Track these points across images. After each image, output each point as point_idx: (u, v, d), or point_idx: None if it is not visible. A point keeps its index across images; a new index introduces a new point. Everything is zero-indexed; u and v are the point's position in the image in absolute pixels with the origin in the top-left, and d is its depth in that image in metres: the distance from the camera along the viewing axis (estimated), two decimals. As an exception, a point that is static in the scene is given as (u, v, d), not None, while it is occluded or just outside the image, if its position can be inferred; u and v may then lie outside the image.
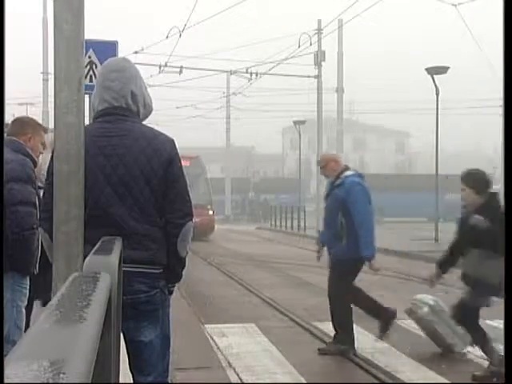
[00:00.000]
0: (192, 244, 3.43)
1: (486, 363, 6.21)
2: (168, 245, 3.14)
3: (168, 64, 26.16)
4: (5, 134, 4.55)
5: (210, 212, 24.39)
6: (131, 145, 3.04)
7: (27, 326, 4.26)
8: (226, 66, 31.02)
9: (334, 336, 6.74)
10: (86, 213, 2.90)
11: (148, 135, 3.14)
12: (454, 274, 6.26)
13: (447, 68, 20.06)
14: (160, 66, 26.26)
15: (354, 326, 7.91)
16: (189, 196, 3.22)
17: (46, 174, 3.19)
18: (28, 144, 4.48)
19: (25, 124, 4.63)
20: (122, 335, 2.87)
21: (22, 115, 6.25)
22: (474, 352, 6.61)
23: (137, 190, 3.02)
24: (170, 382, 5.67)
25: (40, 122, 5.12)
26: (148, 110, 3.29)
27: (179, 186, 3.16)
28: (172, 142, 3.24)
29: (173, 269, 3.18)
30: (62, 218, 2.62)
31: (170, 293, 3.27)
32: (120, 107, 3.12)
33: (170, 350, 3.31)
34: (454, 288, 11.47)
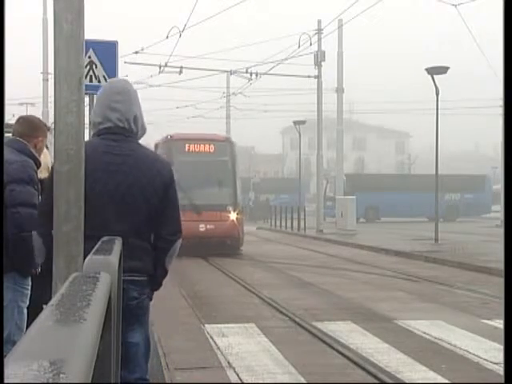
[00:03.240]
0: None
1: (486, 363, 6.21)
2: (157, 257, 3.42)
3: (168, 64, 26.16)
4: (9, 134, 4.54)
5: (233, 215, 17.92)
6: (134, 165, 3.24)
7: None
8: (226, 66, 31.02)
9: None
10: (85, 228, 3.02)
11: (150, 157, 3.41)
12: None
13: (447, 68, 20.05)
14: (160, 66, 26.26)
15: (355, 325, 7.92)
16: (179, 214, 3.53)
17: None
18: (36, 146, 4.49)
19: (35, 126, 4.61)
20: None
21: (29, 115, 6.23)
22: (475, 352, 6.61)
23: (135, 208, 3.22)
24: (169, 381, 5.67)
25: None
26: (143, 131, 3.50)
27: (174, 206, 3.45)
28: (169, 165, 3.57)
29: (157, 278, 3.52)
30: (61, 218, 2.62)
31: (151, 299, 3.58)
32: (123, 128, 3.31)
33: (151, 350, 3.63)
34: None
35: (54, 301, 1.22)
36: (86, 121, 3.14)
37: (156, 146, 18.98)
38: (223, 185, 18.43)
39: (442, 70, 20.01)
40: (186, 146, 18.46)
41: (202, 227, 17.19)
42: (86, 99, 3.16)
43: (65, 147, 2.65)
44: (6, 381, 0.73)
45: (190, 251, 16.03)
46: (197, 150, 18.56)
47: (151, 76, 27.32)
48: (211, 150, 18.64)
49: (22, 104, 38.12)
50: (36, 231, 3.22)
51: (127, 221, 3.18)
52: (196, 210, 17.08)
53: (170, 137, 18.73)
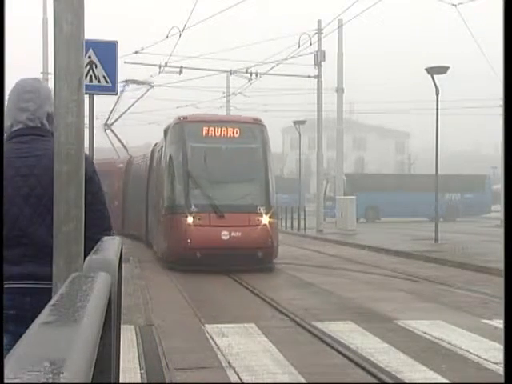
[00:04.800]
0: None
1: (486, 363, 6.21)
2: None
3: (168, 64, 26.16)
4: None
5: (265, 219, 13.77)
6: (48, 164, 2.96)
7: None
8: (226, 66, 31.02)
9: None
10: (4, 232, 2.84)
11: None
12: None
13: (447, 68, 20.06)
14: (160, 66, 26.25)
15: (355, 325, 7.92)
16: (108, 211, 3.24)
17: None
18: None
19: None
20: None
21: None
22: (475, 352, 6.61)
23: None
24: (169, 381, 5.67)
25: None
26: None
27: (98, 202, 3.17)
28: (89, 157, 3.24)
29: None
30: (61, 218, 2.62)
31: None
32: (35, 127, 3.13)
33: None
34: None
35: (54, 301, 1.22)
36: (86, 121, 3.11)
37: (165, 131, 15.30)
38: (253, 179, 14.36)
39: (442, 69, 20.01)
40: (204, 129, 14.39)
41: (224, 235, 13.35)
42: (86, 99, 3.12)
43: (65, 147, 2.64)
44: (5, 381, 0.73)
45: (209, 266, 12.95)
46: (217, 134, 14.45)
47: (151, 76, 27.28)
48: (237, 135, 14.50)
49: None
50: None
51: (48, 223, 2.91)
52: (217, 213, 13.58)
53: (183, 118, 14.78)
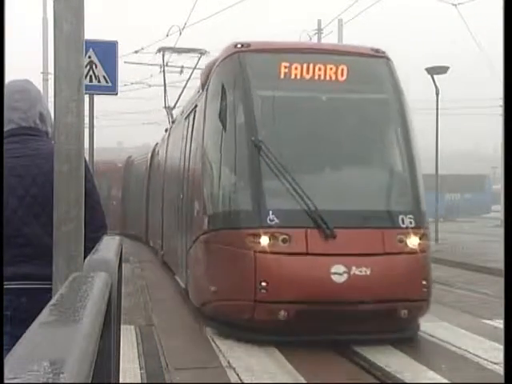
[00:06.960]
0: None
1: (486, 363, 6.21)
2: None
3: (168, 63, 26.14)
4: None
5: (412, 240, 7.01)
6: (42, 164, 3.01)
7: None
8: (226, 66, 30.96)
9: None
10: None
11: None
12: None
13: (447, 68, 20.07)
14: (160, 66, 26.25)
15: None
16: (101, 208, 3.22)
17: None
18: None
19: None
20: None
21: None
22: (475, 352, 6.61)
23: (51, 208, 2.84)
24: (169, 381, 5.67)
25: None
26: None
27: (92, 200, 3.10)
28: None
29: None
30: (61, 218, 2.62)
31: None
32: (28, 127, 3.13)
33: None
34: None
35: (53, 301, 1.22)
36: (86, 121, 3.11)
37: (206, 72, 8.81)
38: (385, 161, 7.99)
39: (442, 69, 20.02)
40: (283, 65, 7.75)
41: (337, 273, 6.70)
42: (86, 99, 3.12)
43: (65, 147, 2.64)
44: (6, 381, 0.73)
45: (305, 335, 6.76)
46: (309, 75, 7.77)
47: (151, 76, 27.29)
48: (344, 77, 7.83)
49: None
50: None
51: (43, 222, 2.94)
52: (320, 228, 6.91)
53: (241, 46, 8.19)
